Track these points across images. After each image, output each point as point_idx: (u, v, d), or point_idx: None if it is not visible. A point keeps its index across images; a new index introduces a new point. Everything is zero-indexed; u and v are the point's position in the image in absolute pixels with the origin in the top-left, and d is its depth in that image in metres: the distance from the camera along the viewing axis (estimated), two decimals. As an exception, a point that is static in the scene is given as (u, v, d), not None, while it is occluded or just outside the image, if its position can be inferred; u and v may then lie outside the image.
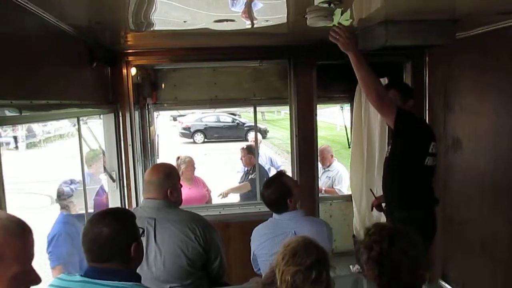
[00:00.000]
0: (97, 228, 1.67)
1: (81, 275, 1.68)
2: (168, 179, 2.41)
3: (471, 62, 3.53)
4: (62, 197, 3.69)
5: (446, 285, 3.78)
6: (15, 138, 18.81)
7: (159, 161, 5.17)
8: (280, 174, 3.33)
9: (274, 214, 2.66)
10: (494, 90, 3.26)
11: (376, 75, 2.86)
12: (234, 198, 5.60)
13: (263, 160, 5.89)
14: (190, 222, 2.37)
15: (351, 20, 2.94)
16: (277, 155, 15.19)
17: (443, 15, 2.89)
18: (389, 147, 3.20)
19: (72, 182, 3.79)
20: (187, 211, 2.50)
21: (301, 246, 1.66)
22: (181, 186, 2.54)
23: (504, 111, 3.17)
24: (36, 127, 20.09)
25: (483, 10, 2.74)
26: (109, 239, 1.66)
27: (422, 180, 2.97)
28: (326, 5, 2.39)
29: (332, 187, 5.62)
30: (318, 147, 4.77)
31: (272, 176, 3.44)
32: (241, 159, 5.53)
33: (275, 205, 2.62)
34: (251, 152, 5.42)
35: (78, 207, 3.72)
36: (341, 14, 2.69)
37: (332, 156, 5.73)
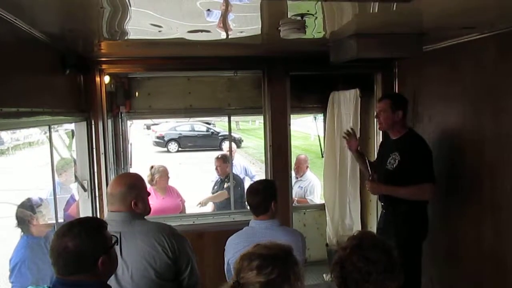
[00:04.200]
0: (63, 242, 1.63)
1: (49, 287, 1.66)
2: (131, 191, 2.29)
3: (438, 74, 3.67)
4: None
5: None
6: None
7: (131, 170, 5.10)
8: (274, 180, 3.45)
9: (250, 222, 2.66)
10: (460, 101, 3.38)
11: (411, 188, 3.21)
12: (209, 207, 5.58)
13: (237, 169, 5.87)
14: (156, 233, 2.28)
15: (323, 33, 3.02)
16: (252, 164, 15.21)
17: (411, 29, 3.01)
18: (395, 163, 3.34)
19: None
20: (153, 222, 2.41)
21: (263, 245, 1.67)
22: (149, 194, 2.44)
23: (469, 121, 3.30)
24: (4, 134, 19.46)
25: (448, 25, 2.86)
26: (74, 254, 1.62)
27: None
28: (299, 18, 2.45)
29: (304, 197, 5.68)
30: (293, 156, 4.82)
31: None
32: (216, 168, 5.49)
33: (259, 201, 2.61)
34: (226, 161, 5.40)
35: (47, 217, 3.59)
36: (314, 27, 2.75)
37: (307, 167, 5.81)
